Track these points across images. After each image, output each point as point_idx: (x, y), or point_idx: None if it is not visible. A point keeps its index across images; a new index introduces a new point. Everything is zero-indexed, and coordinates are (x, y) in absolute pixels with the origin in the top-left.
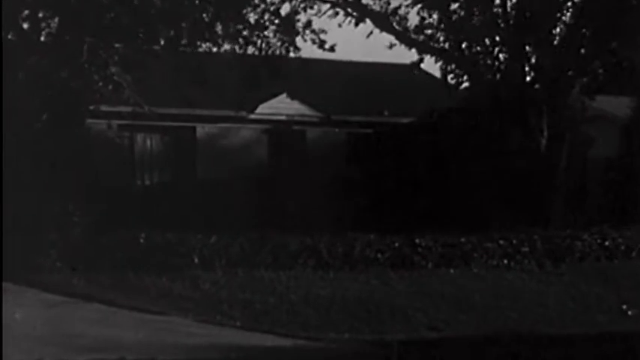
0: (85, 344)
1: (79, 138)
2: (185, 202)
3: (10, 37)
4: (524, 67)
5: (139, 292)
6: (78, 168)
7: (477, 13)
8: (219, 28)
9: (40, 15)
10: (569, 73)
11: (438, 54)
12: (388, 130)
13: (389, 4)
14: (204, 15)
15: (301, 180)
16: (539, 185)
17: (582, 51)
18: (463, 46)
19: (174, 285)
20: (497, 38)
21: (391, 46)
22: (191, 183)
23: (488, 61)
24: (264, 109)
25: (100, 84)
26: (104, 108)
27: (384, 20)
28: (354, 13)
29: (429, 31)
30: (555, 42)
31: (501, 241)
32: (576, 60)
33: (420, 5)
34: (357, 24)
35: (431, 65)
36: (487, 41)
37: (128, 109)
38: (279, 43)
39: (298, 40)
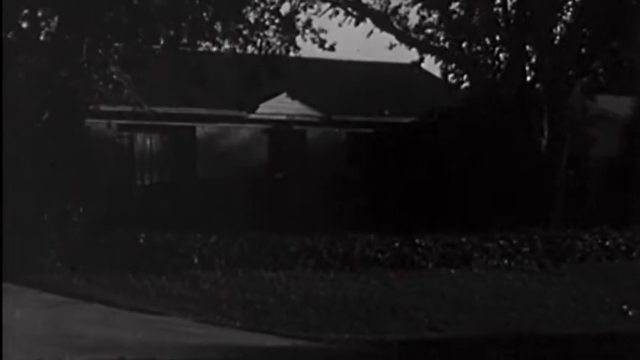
0: (85, 344)
1: (78, 138)
2: (185, 201)
3: (9, 36)
4: (524, 66)
5: (138, 292)
6: (77, 168)
7: (477, 12)
8: (219, 27)
9: (40, 14)
10: (570, 72)
11: (439, 53)
12: (388, 130)
13: (389, 3)
14: (204, 14)
15: (301, 180)
16: (539, 185)
17: (583, 50)
18: (463, 45)
19: (173, 285)
20: (498, 38)
21: (391, 46)
22: (191, 183)
23: (489, 61)
24: (264, 108)
25: (100, 83)
26: (104, 107)
27: (384, 20)
28: (354, 13)
29: (429, 31)
30: (556, 41)
31: (502, 241)
32: (577, 59)
33: (420, 4)
34: (357, 23)
35: (431, 65)
36: (487, 41)
37: (128, 108)
38: (279, 43)
39: (298, 39)
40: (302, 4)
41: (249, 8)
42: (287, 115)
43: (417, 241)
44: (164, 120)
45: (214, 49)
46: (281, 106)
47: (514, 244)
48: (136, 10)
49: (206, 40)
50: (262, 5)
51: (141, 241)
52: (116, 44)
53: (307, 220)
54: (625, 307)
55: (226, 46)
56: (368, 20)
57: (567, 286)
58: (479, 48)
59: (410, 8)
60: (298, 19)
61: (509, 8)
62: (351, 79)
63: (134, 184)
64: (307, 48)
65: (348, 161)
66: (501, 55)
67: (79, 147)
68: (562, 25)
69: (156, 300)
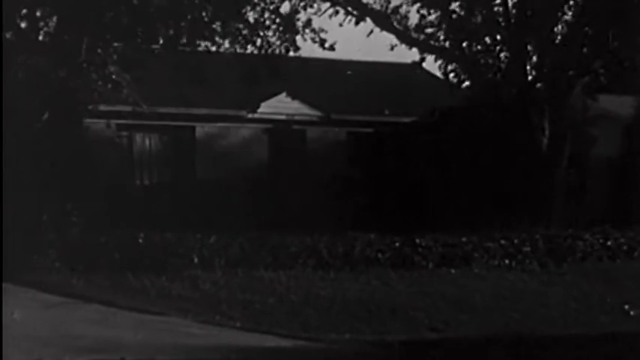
0: (85, 345)
1: (77, 137)
2: (184, 201)
3: (8, 36)
4: (525, 66)
5: (138, 293)
6: (76, 167)
7: (477, 11)
8: (218, 27)
9: (38, 14)
10: (571, 72)
11: (439, 53)
12: (389, 130)
13: (389, 2)
14: (204, 14)
15: (301, 180)
16: (540, 185)
17: (584, 50)
18: (464, 45)
19: (173, 285)
20: (499, 37)
21: (392, 47)
22: (190, 182)
23: (490, 60)
24: (264, 108)
25: (99, 83)
26: (103, 107)
27: (385, 19)
28: (355, 12)
29: (430, 30)
30: (557, 41)
31: (503, 241)
32: (578, 59)
33: (420, 4)
34: (357, 23)
35: (432, 64)
36: (488, 40)
37: (127, 108)
38: (278, 42)
39: (298, 39)
40: (302, 4)
41: (248, 8)
42: (287, 114)
43: (418, 240)
44: (163, 120)
45: (214, 48)
46: (281, 105)
47: (515, 244)
48: (135, 9)
49: (205, 39)
50: (262, 5)
51: (140, 241)
52: (115, 44)
53: (307, 220)
54: (627, 307)
55: (226, 45)
56: (368, 20)
57: (569, 286)
58: (479, 47)
59: (410, 7)
60: (298, 19)
61: (509, 7)
62: (351, 79)
63: (133, 183)
64: (307, 48)
65: (348, 161)
66: (502, 55)
67: (78, 147)
68: (563, 24)
69: (155, 300)
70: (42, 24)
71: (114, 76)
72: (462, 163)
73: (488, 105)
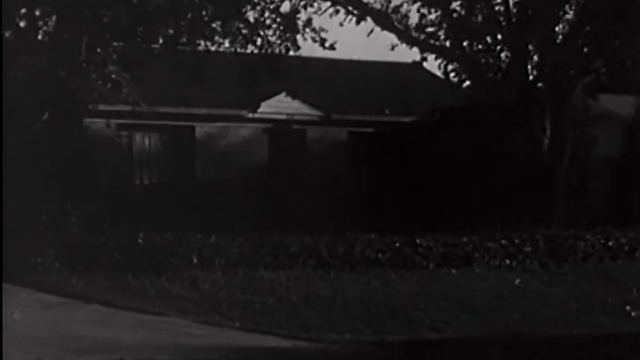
0: (84, 345)
1: (77, 137)
2: (184, 201)
3: (7, 35)
4: (526, 65)
5: (137, 293)
6: (76, 167)
7: (478, 10)
8: (218, 26)
9: (38, 13)
10: (572, 71)
11: (440, 52)
12: (389, 129)
13: (390, 2)
14: (204, 13)
15: (301, 180)
16: (541, 184)
17: (585, 49)
18: (465, 44)
19: (173, 285)
20: (499, 36)
21: (393, 47)
22: (190, 182)
23: (490, 60)
24: (264, 108)
25: (99, 83)
26: (102, 107)
27: (385, 18)
28: (355, 12)
29: (430, 30)
30: (558, 40)
31: (503, 241)
32: (579, 58)
33: (420, 3)
34: (357, 22)
35: (432, 64)
36: (489, 39)
37: (127, 108)
38: (279, 42)
39: (298, 38)
40: (302, 3)
41: (249, 7)
42: (287, 114)
43: (418, 241)
44: (163, 119)
45: (214, 48)
46: (281, 105)
47: (516, 244)
48: (135, 9)
49: (205, 39)
50: (262, 4)
51: (140, 241)
52: (115, 43)
53: (307, 220)
54: (628, 307)
55: (226, 45)
56: (368, 19)
57: (570, 286)
58: (480, 47)
59: (410, 7)
60: (298, 18)
61: (510, 7)
62: (351, 78)
63: (133, 183)
64: (307, 47)
65: (348, 161)
66: (503, 54)
67: (78, 146)
68: (564, 23)
69: (155, 300)
70: (41, 23)
71: (114, 76)
72: (463, 162)
73: (489, 105)
